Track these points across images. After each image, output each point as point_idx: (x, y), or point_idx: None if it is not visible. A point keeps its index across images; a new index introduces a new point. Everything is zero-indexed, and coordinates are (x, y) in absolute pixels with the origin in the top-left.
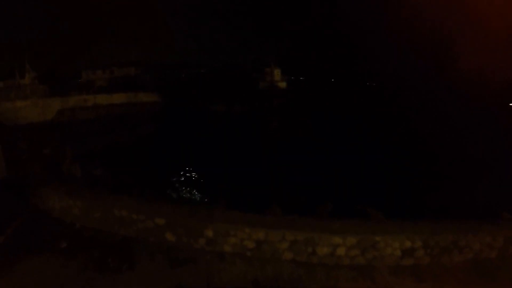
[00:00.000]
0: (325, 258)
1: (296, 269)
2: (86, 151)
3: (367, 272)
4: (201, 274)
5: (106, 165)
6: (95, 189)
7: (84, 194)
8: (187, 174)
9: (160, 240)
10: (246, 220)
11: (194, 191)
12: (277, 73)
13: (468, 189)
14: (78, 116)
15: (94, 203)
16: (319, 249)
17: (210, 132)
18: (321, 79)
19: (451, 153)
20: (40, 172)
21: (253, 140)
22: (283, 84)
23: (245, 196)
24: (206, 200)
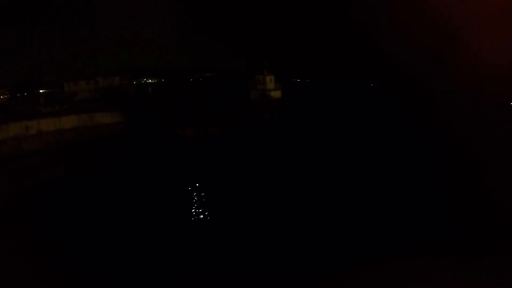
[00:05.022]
0: None
1: None
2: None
3: None
4: None
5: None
6: None
7: None
8: None
9: None
10: None
11: None
12: (270, 80)
13: None
14: (24, 146)
15: None
16: None
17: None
18: (326, 80)
19: None
20: None
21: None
22: (277, 94)
23: None
24: None
